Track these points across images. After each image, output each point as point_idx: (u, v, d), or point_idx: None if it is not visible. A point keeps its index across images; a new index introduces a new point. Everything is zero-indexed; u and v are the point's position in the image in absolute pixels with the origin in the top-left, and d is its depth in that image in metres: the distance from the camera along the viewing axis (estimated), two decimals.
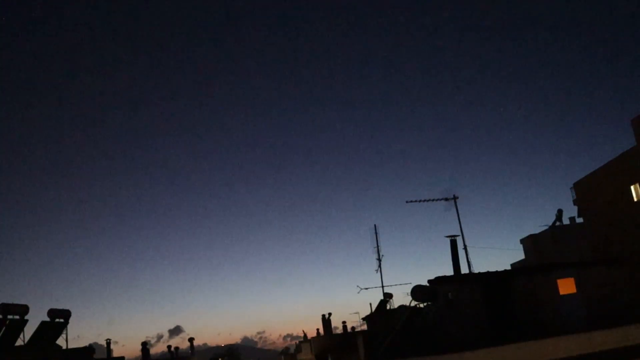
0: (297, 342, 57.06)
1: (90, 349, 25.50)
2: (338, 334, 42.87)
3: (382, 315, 33.13)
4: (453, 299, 18.37)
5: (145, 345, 35.92)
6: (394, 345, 19.56)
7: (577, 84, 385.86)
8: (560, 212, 37.00)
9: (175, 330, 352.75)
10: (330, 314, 44.23)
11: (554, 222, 36.97)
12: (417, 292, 19.64)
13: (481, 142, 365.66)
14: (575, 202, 31.51)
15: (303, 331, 56.05)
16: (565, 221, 37.02)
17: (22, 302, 23.08)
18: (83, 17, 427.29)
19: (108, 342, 33.05)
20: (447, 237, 20.92)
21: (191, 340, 50.03)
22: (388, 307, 34.49)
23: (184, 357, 46.11)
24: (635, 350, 14.98)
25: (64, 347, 24.72)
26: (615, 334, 15.35)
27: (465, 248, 21.12)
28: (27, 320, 22.89)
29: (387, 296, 34.86)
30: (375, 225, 35.02)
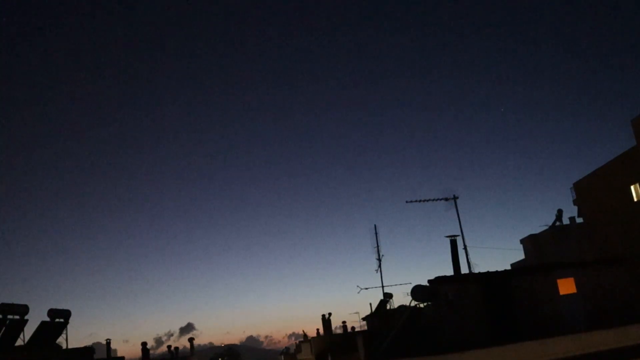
0: (298, 341, 57.04)
1: (90, 349, 25.50)
2: (338, 334, 42.87)
3: (382, 315, 33.12)
4: (453, 299, 18.37)
5: (145, 345, 35.95)
6: (394, 345, 19.56)
7: (577, 84, 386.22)
8: (560, 212, 37.01)
9: (187, 328, 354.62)
10: (330, 314, 44.26)
11: (554, 222, 36.98)
12: (417, 292, 19.63)
13: (481, 142, 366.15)
14: (575, 202, 31.53)
15: (303, 331, 56.05)
16: (565, 221, 37.03)
17: (22, 302, 23.11)
18: (84, 18, 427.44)
19: (108, 342, 33.07)
20: (447, 237, 20.91)
21: (191, 340, 50.07)
22: (388, 307, 34.47)
23: (184, 357, 46.15)
24: (635, 350, 14.99)
25: (64, 347, 24.73)
26: (615, 334, 15.36)
27: (465, 248, 21.10)
28: (27, 320, 22.89)
29: (387, 296, 34.84)
30: (375, 225, 34.92)
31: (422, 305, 20.71)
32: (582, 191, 28.38)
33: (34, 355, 22.52)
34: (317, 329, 51.02)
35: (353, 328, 45.83)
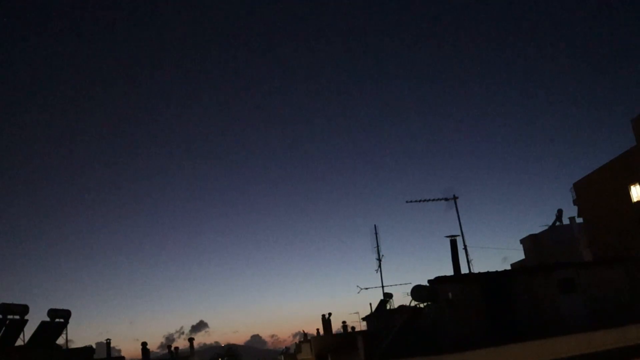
0: (298, 341, 57.07)
1: (90, 349, 25.52)
2: (338, 334, 42.86)
3: (382, 315, 33.14)
4: (453, 299, 18.37)
5: (145, 345, 35.96)
6: (394, 345, 19.56)
7: (577, 84, 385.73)
8: (560, 212, 37.02)
9: (198, 326, 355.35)
10: (330, 314, 44.27)
11: (554, 222, 36.99)
12: (417, 292, 19.64)
13: (481, 142, 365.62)
14: (575, 202, 31.52)
15: (303, 331, 56.10)
16: (565, 221, 37.04)
17: (22, 302, 23.12)
18: (84, 19, 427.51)
19: (108, 342, 33.08)
20: (447, 237, 20.92)
21: (191, 340, 50.12)
22: (388, 307, 34.49)
23: (184, 357, 46.18)
24: (635, 350, 14.99)
25: (64, 347, 24.75)
26: (615, 334, 15.35)
27: (465, 248, 21.11)
28: (27, 320, 22.91)
29: (387, 296, 34.86)
30: (375, 226, 34.96)
31: (422, 305, 20.71)
32: (582, 191, 28.37)
33: (34, 355, 22.52)
34: (317, 329, 51.09)
35: (353, 328, 45.86)
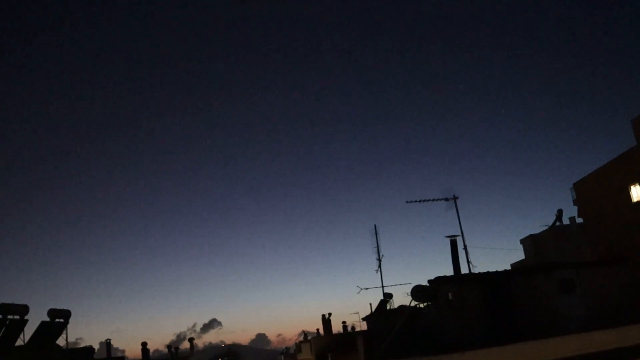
0: (298, 341, 57.09)
1: (90, 349, 25.53)
2: (338, 334, 42.89)
3: (382, 315, 33.13)
4: (453, 299, 18.37)
5: (145, 346, 35.97)
6: (394, 345, 19.56)
7: (577, 84, 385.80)
8: (560, 212, 36.99)
9: (210, 324, 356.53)
10: (330, 314, 44.28)
11: (554, 222, 36.96)
12: (417, 292, 19.64)
13: (481, 142, 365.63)
14: (575, 202, 31.48)
15: (303, 331, 56.14)
16: (565, 221, 37.00)
17: (22, 302, 23.13)
18: (86, 20, 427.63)
19: (108, 342, 33.10)
20: (447, 237, 20.91)
21: (191, 340, 50.14)
22: (388, 307, 34.47)
23: (183, 357, 46.18)
24: (635, 350, 14.99)
25: (64, 347, 24.74)
26: (615, 334, 15.36)
27: (465, 248, 21.10)
28: (27, 320, 22.90)
29: (387, 296, 34.84)
30: (375, 226, 34.95)
31: (422, 305, 20.72)
32: (582, 191, 28.35)
33: (34, 355, 22.52)
34: (317, 329, 51.11)
35: (353, 328, 45.88)
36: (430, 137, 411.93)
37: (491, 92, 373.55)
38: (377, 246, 34.30)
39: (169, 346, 44.78)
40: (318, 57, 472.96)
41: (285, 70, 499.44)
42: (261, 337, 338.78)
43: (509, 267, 33.05)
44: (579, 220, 32.56)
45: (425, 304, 20.44)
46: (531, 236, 37.57)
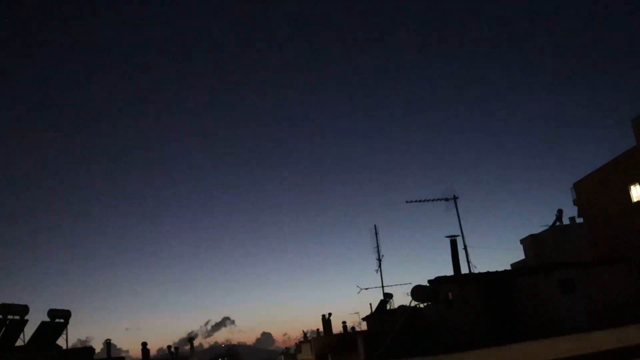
0: (297, 341, 57.15)
1: (90, 349, 25.52)
2: (338, 334, 42.89)
3: (382, 315, 33.19)
4: (453, 299, 18.40)
5: (145, 346, 35.96)
6: (394, 345, 19.58)
7: (577, 84, 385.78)
8: (560, 212, 37.05)
9: (223, 322, 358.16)
10: (330, 314, 44.30)
11: (554, 222, 37.01)
12: (417, 292, 19.67)
13: (481, 142, 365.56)
14: (575, 202, 31.52)
15: (303, 331, 56.20)
16: (565, 221, 37.07)
17: (22, 302, 23.13)
18: (87, 17, 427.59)
19: (108, 342, 33.10)
20: (447, 237, 20.90)
21: (191, 340, 50.18)
22: (388, 307, 34.51)
23: (183, 357, 46.21)
24: (635, 350, 14.98)
25: (64, 347, 24.74)
26: (615, 334, 15.35)
27: (465, 248, 21.06)
28: (27, 320, 22.91)
29: (387, 296, 34.88)
30: (375, 225, 34.92)
31: (422, 305, 20.74)
32: (582, 191, 28.37)
33: (34, 355, 22.53)
34: (317, 329, 51.14)
35: (353, 328, 45.90)
36: (430, 137, 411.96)
37: (491, 92, 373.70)
38: (377, 246, 34.30)
39: (169, 346, 44.80)
40: (318, 56, 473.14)
41: (285, 70, 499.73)
42: (267, 337, 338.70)
43: (509, 267, 33.12)
44: (579, 220, 32.60)
45: (425, 304, 20.47)
46: (531, 236, 37.62)
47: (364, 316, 38.71)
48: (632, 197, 23.39)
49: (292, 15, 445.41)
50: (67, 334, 24.87)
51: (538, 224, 50.73)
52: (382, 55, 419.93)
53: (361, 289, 36.61)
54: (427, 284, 19.19)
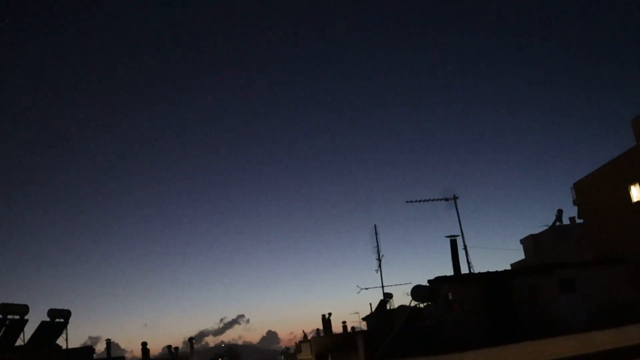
0: (297, 341, 57.16)
1: (90, 349, 25.56)
2: (338, 334, 42.90)
3: (382, 315, 33.13)
4: (453, 299, 18.40)
5: (145, 346, 35.98)
6: (394, 345, 19.59)
7: (576, 84, 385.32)
8: (560, 212, 37.07)
9: (237, 320, 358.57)
10: (330, 314, 44.31)
11: (554, 222, 37.02)
12: (417, 292, 19.67)
13: (481, 142, 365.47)
14: (575, 202, 31.55)
15: (303, 331, 56.20)
16: (565, 221, 37.08)
17: (22, 302, 23.15)
18: (86, 16, 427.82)
19: (108, 342, 33.15)
20: (447, 237, 20.90)
21: (191, 340, 50.18)
22: (388, 307, 34.46)
23: (183, 357, 46.20)
24: (635, 350, 14.98)
25: (64, 347, 24.76)
26: (615, 334, 15.36)
27: (465, 248, 21.05)
28: (27, 320, 22.93)
29: (387, 296, 34.83)
30: (375, 225, 34.84)
31: (422, 305, 20.74)
32: (582, 191, 28.39)
33: (34, 355, 22.54)
34: (317, 329, 51.13)
35: (353, 328, 45.89)
36: (430, 136, 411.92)
37: (491, 92, 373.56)
38: (377, 246, 34.21)
39: (169, 346, 44.77)
40: (318, 56, 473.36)
41: (284, 69, 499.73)
42: (272, 335, 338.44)
43: (509, 267, 33.11)
44: (579, 220, 32.63)
45: (425, 304, 20.46)
46: (531, 236, 37.65)
47: (364, 316, 38.65)
48: (632, 197, 23.41)
49: (292, 15, 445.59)
50: (67, 334, 24.92)
51: (538, 224, 50.81)
52: (382, 54, 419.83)
53: (361, 289, 36.58)
54: (427, 284, 19.18)
